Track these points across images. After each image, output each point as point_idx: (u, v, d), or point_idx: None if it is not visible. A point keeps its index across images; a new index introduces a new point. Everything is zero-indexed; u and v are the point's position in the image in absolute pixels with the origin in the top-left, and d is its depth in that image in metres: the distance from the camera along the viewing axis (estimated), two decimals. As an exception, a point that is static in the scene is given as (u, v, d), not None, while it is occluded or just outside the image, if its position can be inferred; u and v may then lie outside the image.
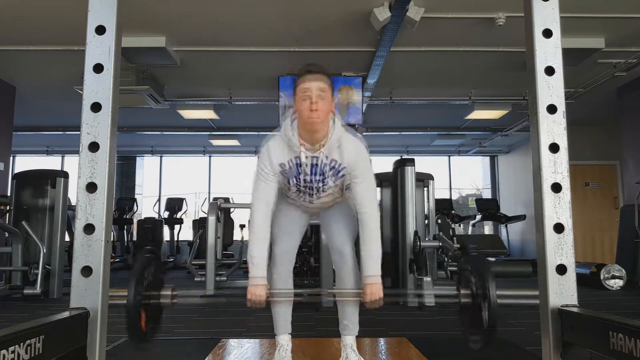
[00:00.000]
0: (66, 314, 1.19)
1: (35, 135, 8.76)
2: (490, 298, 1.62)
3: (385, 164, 5.56)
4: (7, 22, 4.63)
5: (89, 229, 1.27)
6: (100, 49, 1.33)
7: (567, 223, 1.34)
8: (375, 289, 1.96)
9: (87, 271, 1.26)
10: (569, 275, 1.34)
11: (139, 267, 1.72)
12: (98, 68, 1.32)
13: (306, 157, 1.96)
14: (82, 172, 1.28)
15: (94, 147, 1.29)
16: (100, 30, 1.33)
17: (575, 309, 1.29)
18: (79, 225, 1.27)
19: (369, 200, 2.02)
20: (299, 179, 2.03)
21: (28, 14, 4.44)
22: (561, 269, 1.34)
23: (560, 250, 1.34)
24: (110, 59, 1.33)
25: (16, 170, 6.49)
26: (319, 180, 2.02)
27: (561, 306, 1.32)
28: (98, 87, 1.31)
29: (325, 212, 2.21)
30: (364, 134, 7.76)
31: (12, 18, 4.54)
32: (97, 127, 1.29)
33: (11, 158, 8.60)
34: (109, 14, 1.34)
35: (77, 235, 1.27)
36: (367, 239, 2.01)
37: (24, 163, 10.30)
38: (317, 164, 1.98)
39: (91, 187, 1.28)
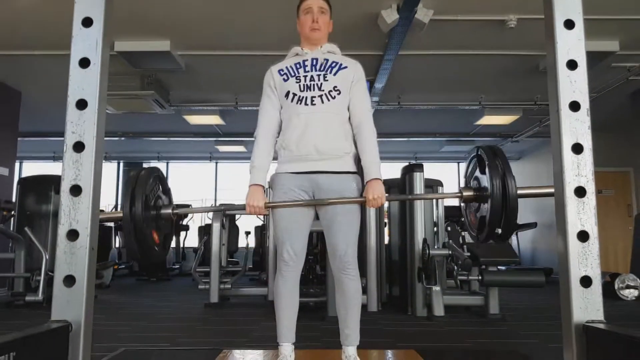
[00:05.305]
0: (45, 327, 1.09)
1: (42, 142, 8.76)
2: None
3: (393, 170, 5.45)
4: (13, 27, 4.60)
5: (73, 235, 1.18)
6: (86, 43, 1.24)
7: (593, 231, 1.23)
8: (377, 189, 1.98)
9: (69, 281, 1.16)
10: (595, 288, 1.22)
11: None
12: (84, 63, 1.23)
13: (307, 54, 2.11)
14: (65, 173, 1.19)
15: (78, 147, 1.20)
16: (87, 22, 1.24)
17: (602, 326, 1.18)
18: (61, 231, 1.17)
19: (366, 109, 2.11)
20: (299, 72, 2.08)
21: (34, 18, 4.40)
22: (586, 281, 1.22)
23: (584, 260, 1.22)
24: (98, 53, 1.24)
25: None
26: (320, 73, 2.06)
27: (586, 322, 1.20)
28: (84, 83, 1.22)
29: (328, 215, 2.06)
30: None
31: (18, 22, 4.50)
32: (82, 125, 1.20)
33: (17, 164, 8.62)
34: (97, 5, 1.25)
35: (59, 242, 1.17)
36: (367, 147, 2.05)
37: (31, 169, 10.32)
38: (317, 60, 2.09)
39: (75, 190, 1.18)
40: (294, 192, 2.04)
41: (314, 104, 2.01)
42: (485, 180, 2.10)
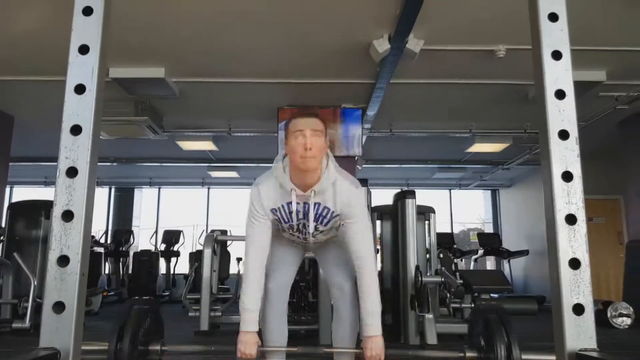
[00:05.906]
0: (32, 354, 1.08)
1: (33, 167, 8.72)
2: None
3: (385, 196, 5.47)
4: (7, 52, 4.63)
5: (64, 260, 1.17)
6: (82, 70, 1.26)
7: (584, 258, 1.24)
8: (376, 344, 1.89)
9: (59, 307, 1.15)
10: (587, 316, 1.23)
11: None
12: (80, 89, 1.25)
13: (298, 203, 1.90)
14: (58, 199, 1.19)
15: (72, 172, 1.20)
16: (84, 49, 1.26)
17: (595, 354, 1.17)
18: (52, 257, 1.16)
19: (365, 248, 1.91)
20: (292, 220, 1.98)
21: (27, 43, 4.44)
22: (578, 309, 1.23)
23: (577, 288, 1.22)
24: (93, 80, 1.26)
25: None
26: (312, 225, 1.98)
27: (579, 350, 1.20)
28: (79, 109, 1.23)
29: (322, 251, 2.14)
30: (364, 165, 7.70)
31: (13, 48, 4.54)
32: (76, 151, 1.21)
33: (8, 189, 8.53)
34: (93, 33, 1.28)
35: (49, 268, 1.16)
36: (365, 294, 1.90)
37: (22, 194, 10.23)
38: (308, 212, 1.92)
39: (67, 216, 1.18)
40: (287, 242, 2.18)
41: (307, 242, 2.12)
42: (488, 343, 2.05)
